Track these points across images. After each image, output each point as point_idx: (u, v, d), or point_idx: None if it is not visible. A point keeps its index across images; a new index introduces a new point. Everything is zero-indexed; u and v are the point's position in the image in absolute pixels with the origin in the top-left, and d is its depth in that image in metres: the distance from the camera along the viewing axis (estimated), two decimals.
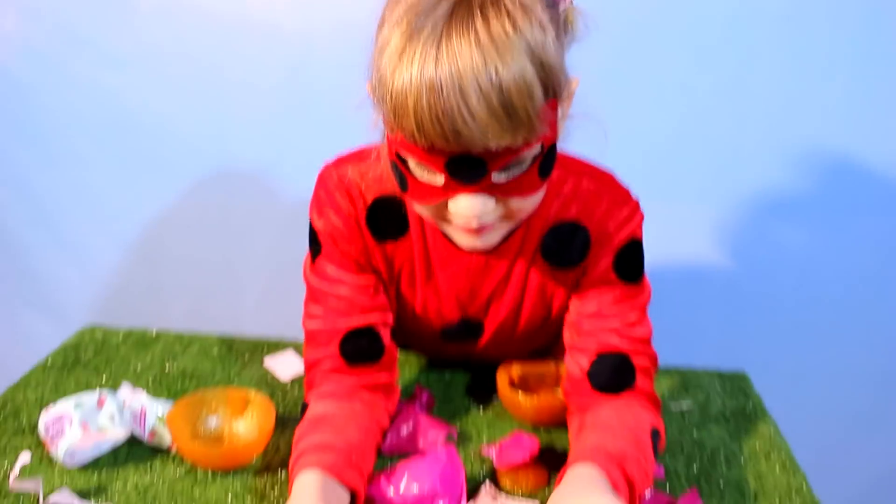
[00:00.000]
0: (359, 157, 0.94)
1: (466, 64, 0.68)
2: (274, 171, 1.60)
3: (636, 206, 0.94)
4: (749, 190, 1.53)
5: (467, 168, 0.74)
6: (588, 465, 0.80)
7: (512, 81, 0.69)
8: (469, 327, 1.03)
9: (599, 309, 0.94)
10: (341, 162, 0.95)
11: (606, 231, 0.94)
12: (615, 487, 0.79)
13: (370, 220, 0.94)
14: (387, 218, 0.94)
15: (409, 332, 1.07)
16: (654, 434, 0.91)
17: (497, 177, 0.77)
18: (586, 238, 0.94)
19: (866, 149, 1.46)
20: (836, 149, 1.48)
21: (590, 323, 0.95)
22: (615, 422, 0.89)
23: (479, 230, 0.82)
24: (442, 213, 0.82)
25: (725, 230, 1.55)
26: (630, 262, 0.94)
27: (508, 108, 0.70)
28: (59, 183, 1.64)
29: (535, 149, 0.76)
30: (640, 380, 0.94)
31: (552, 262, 0.96)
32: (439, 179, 0.77)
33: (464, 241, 0.84)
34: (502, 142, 0.72)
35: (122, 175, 1.62)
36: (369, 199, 0.93)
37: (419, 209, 0.85)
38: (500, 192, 0.78)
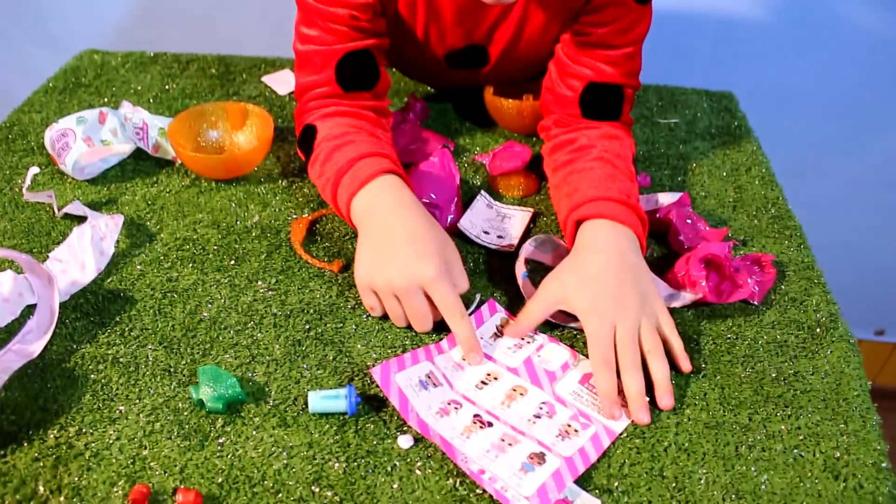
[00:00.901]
0: None
1: None
2: None
3: None
4: None
5: None
6: (604, 223, 0.75)
7: None
8: (474, 52, 0.94)
9: (601, 35, 0.84)
10: None
11: None
12: (632, 227, 0.75)
13: None
14: None
15: (411, 59, 0.97)
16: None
17: None
18: None
19: None
20: None
21: (588, 49, 0.85)
22: (610, 155, 0.83)
23: None
24: None
25: None
26: None
27: None
28: None
29: None
30: (625, 109, 0.88)
31: None
32: None
33: None
34: None
35: None
36: None
37: None
38: None
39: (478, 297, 0.76)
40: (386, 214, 0.73)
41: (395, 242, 0.71)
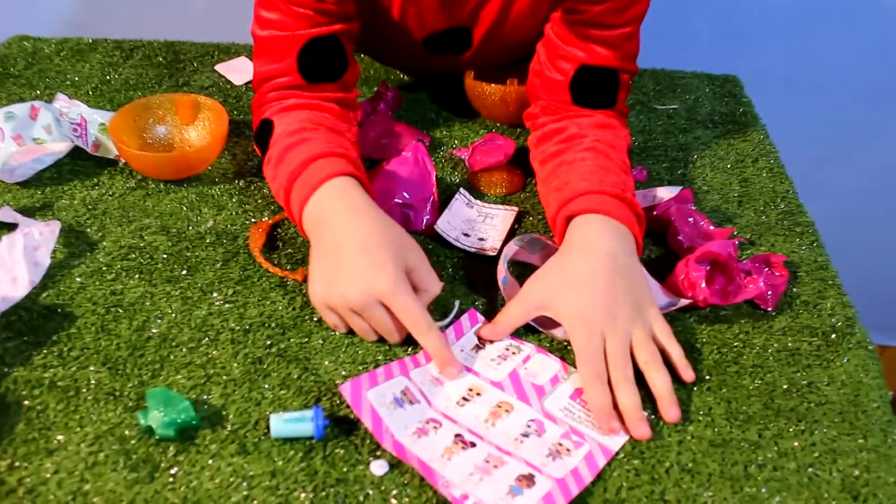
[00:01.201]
0: None
1: None
2: None
3: None
4: None
5: None
6: (596, 219, 0.76)
7: None
8: (456, 35, 0.94)
9: (596, 14, 0.83)
10: None
11: None
12: (628, 225, 0.76)
13: None
14: None
15: (385, 44, 0.98)
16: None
17: None
18: None
19: None
20: None
21: (581, 29, 0.85)
22: (603, 146, 0.84)
23: None
24: None
25: None
26: None
27: None
28: None
29: None
30: (620, 97, 0.89)
31: None
32: None
33: None
34: None
35: None
36: None
37: None
38: None
39: (457, 304, 0.77)
40: (336, 223, 0.73)
41: (347, 254, 0.71)
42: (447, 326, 0.74)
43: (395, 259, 0.70)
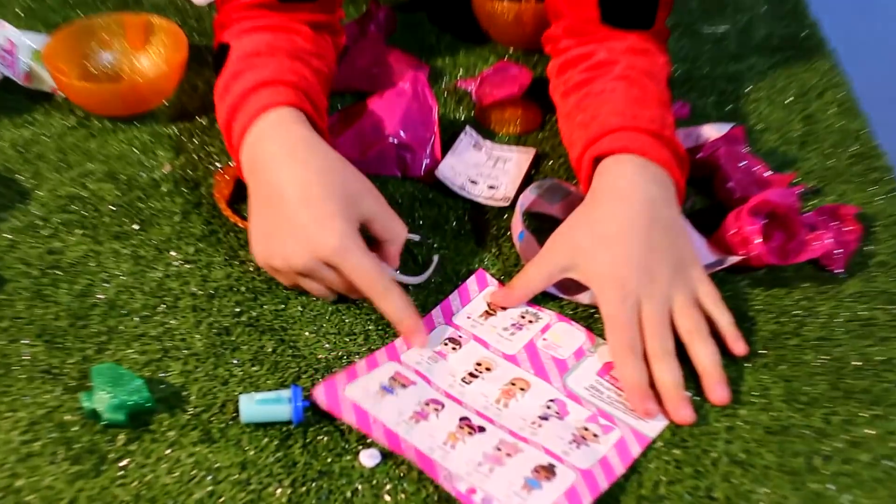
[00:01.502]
0: None
1: None
2: None
3: None
4: None
5: None
6: (630, 160, 0.75)
7: None
8: None
9: None
10: None
11: None
12: (668, 168, 0.75)
13: None
14: None
15: None
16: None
17: None
18: None
19: None
20: None
21: None
22: (638, 74, 0.82)
23: None
24: None
25: None
26: None
27: None
28: None
29: None
30: (659, 16, 0.87)
31: None
32: None
33: None
34: None
35: None
36: None
37: None
38: None
39: (435, 259, 0.76)
40: (271, 167, 0.72)
41: (286, 206, 0.69)
42: (426, 277, 0.75)
43: (343, 210, 0.69)
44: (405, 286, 0.74)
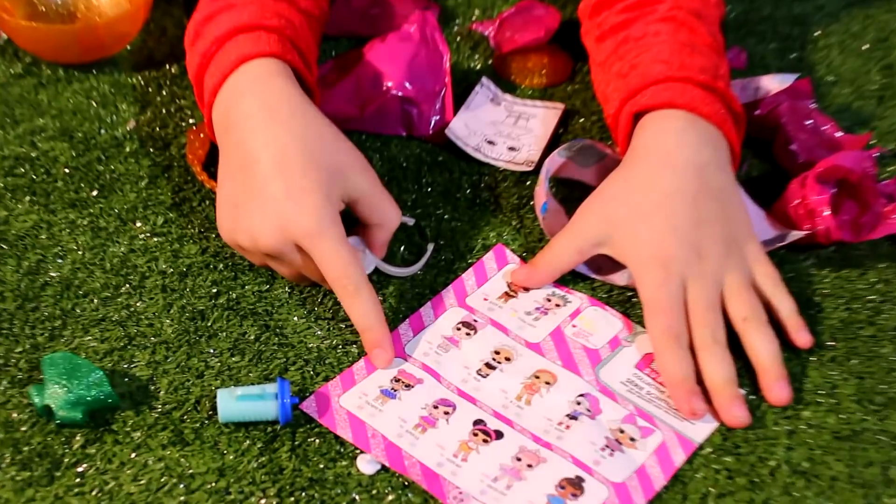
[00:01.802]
0: None
1: None
2: None
3: None
4: None
5: None
6: (676, 116, 0.75)
7: None
8: None
9: None
10: None
11: None
12: (721, 126, 0.75)
13: None
14: None
15: None
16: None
17: None
18: None
19: None
20: None
21: None
22: (686, 15, 0.82)
23: None
24: None
25: None
26: None
27: None
28: None
29: None
30: None
31: None
32: None
33: None
34: None
35: None
36: None
37: None
38: None
39: (430, 247, 0.77)
40: (247, 127, 0.71)
41: (258, 174, 0.69)
42: (417, 270, 0.75)
43: (324, 185, 0.69)
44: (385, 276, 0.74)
